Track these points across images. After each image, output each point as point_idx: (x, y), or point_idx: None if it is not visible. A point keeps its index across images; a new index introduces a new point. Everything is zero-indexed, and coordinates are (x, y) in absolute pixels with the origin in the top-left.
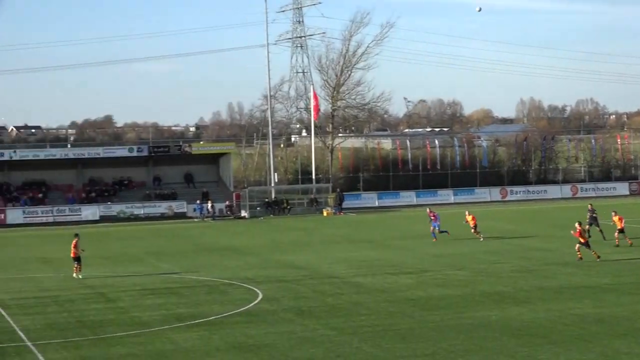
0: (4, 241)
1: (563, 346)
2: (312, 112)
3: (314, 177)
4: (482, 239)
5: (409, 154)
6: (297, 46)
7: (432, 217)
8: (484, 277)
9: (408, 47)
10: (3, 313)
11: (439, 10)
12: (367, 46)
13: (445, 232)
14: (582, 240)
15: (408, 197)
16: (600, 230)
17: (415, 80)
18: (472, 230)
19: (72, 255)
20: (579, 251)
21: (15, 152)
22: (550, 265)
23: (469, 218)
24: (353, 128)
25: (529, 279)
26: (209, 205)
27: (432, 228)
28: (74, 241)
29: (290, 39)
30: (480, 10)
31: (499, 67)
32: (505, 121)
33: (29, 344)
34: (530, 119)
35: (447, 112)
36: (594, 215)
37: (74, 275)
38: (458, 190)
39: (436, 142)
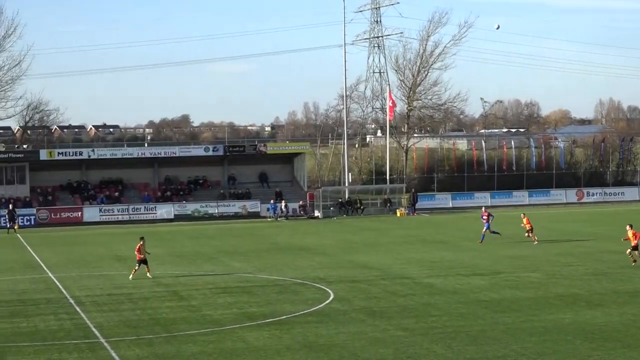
0: (80, 239)
1: (638, 350)
2: (388, 113)
3: (388, 177)
4: (536, 242)
5: (484, 155)
6: (374, 46)
7: (485, 218)
8: (558, 280)
9: (486, 47)
10: (78, 310)
11: (518, 9)
12: (445, 46)
13: (497, 233)
14: (633, 244)
15: (482, 198)
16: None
17: (492, 81)
18: (527, 234)
19: (137, 258)
20: (631, 255)
21: (93, 150)
22: (625, 269)
23: (525, 221)
24: (428, 128)
25: (603, 282)
26: (283, 204)
27: (484, 229)
28: (138, 245)
29: (367, 38)
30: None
31: (577, 67)
32: (583, 122)
33: (102, 340)
34: (608, 120)
35: (524, 113)
36: None
37: (130, 277)
38: (533, 191)
39: (512, 142)
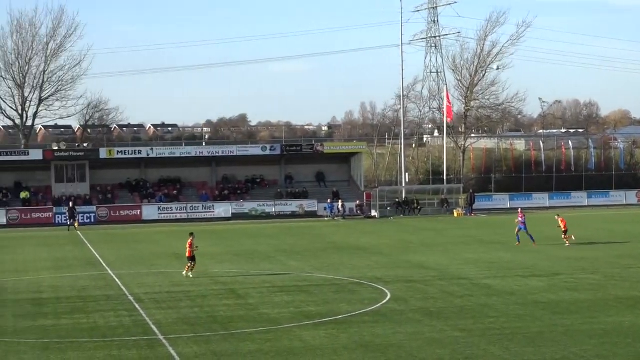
0: (139, 237)
1: None
2: (446, 113)
3: (445, 177)
4: (568, 244)
5: (543, 155)
6: (431, 46)
7: (520, 218)
8: (618, 282)
9: (544, 46)
10: (137, 307)
11: (577, 9)
12: (503, 46)
13: (531, 237)
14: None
15: (541, 199)
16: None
17: (551, 81)
18: (563, 236)
19: (187, 254)
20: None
21: (152, 149)
22: None
23: (560, 221)
24: (486, 128)
25: None
26: (340, 204)
27: (516, 229)
28: (189, 240)
29: (424, 38)
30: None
31: (638, 67)
32: None
33: (161, 337)
34: None
35: (582, 113)
36: None
37: (184, 273)
38: (592, 192)
39: (570, 143)
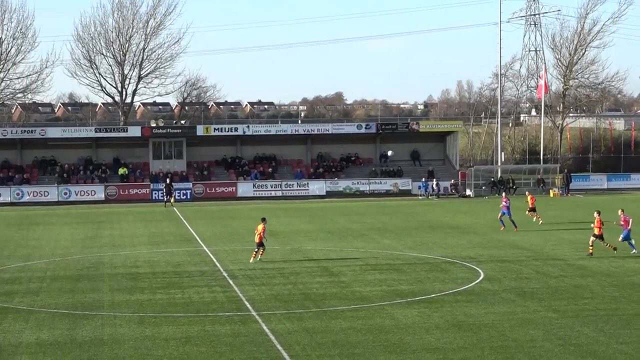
0: (234, 213)
1: None
2: (542, 91)
3: (541, 157)
4: (541, 222)
5: None
6: (530, 24)
7: (505, 203)
8: None
9: None
10: (231, 283)
11: None
12: (604, 24)
13: (513, 223)
14: (597, 232)
15: (639, 179)
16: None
17: None
18: (528, 212)
19: (256, 240)
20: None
21: (248, 127)
22: None
23: (529, 198)
24: (584, 108)
25: None
26: (434, 183)
27: (500, 214)
28: (262, 226)
29: (523, 16)
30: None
31: None
32: None
33: (254, 313)
34: None
35: None
36: None
37: (251, 260)
38: None
39: None
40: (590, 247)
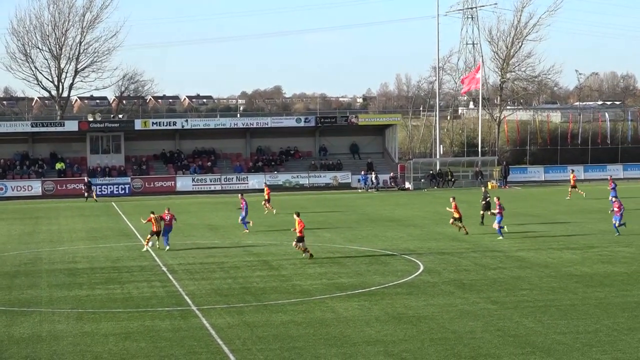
0: (173, 208)
1: None
2: (467, 83)
3: (479, 149)
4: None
5: (580, 128)
6: (467, 17)
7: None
8: None
9: (581, 17)
10: (170, 278)
11: None
12: (540, 17)
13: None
14: (456, 215)
15: (576, 171)
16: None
17: (588, 52)
18: (453, 221)
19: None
20: (454, 224)
21: (187, 121)
22: None
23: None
24: (522, 101)
25: None
26: (374, 176)
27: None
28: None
29: (461, 10)
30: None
31: None
32: None
33: (194, 308)
34: None
35: (620, 85)
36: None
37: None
38: (628, 165)
39: (607, 115)
40: (458, 227)
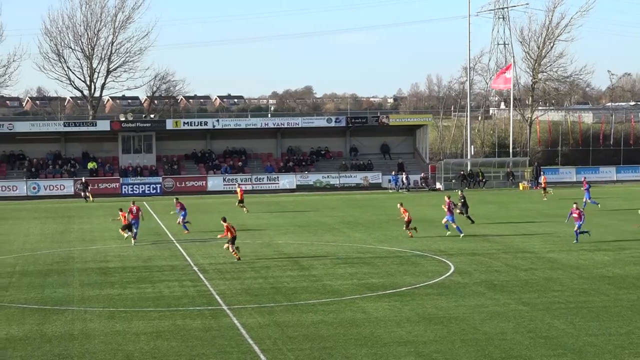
0: (204, 207)
1: None
2: (493, 81)
3: (511, 150)
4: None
5: (612, 129)
6: (499, 18)
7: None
8: None
9: (613, 18)
10: (201, 277)
11: None
12: (571, 17)
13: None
14: (405, 219)
15: (608, 172)
16: (468, 217)
17: (620, 53)
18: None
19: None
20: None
21: (218, 121)
22: None
23: (402, 211)
24: (553, 101)
25: None
26: (404, 176)
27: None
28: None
29: (492, 10)
30: None
31: None
32: None
33: (225, 307)
34: None
35: None
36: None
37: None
38: None
39: None
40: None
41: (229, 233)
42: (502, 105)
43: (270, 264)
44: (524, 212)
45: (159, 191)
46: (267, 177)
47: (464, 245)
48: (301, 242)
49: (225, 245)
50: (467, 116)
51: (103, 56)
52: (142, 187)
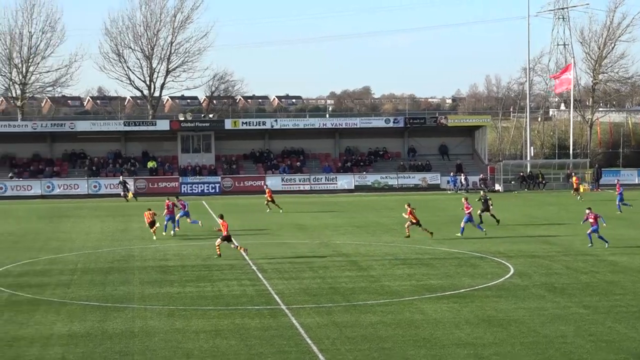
0: (263, 207)
1: None
2: (555, 86)
3: (571, 151)
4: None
5: None
6: (559, 18)
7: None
8: None
9: None
10: (260, 276)
11: None
12: (633, 18)
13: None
14: (413, 220)
15: None
16: (492, 215)
17: None
18: (408, 225)
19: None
20: (408, 229)
21: (276, 121)
22: None
23: (407, 211)
24: (614, 102)
25: None
26: (463, 177)
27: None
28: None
29: (552, 10)
30: None
31: None
32: None
33: (283, 307)
34: None
35: None
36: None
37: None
38: None
39: None
40: (407, 230)
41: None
42: (562, 107)
43: (328, 264)
44: (584, 214)
45: (217, 190)
46: (325, 177)
47: (524, 247)
48: (359, 242)
49: (218, 241)
50: (526, 117)
51: (162, 56)
52: (201, 187)
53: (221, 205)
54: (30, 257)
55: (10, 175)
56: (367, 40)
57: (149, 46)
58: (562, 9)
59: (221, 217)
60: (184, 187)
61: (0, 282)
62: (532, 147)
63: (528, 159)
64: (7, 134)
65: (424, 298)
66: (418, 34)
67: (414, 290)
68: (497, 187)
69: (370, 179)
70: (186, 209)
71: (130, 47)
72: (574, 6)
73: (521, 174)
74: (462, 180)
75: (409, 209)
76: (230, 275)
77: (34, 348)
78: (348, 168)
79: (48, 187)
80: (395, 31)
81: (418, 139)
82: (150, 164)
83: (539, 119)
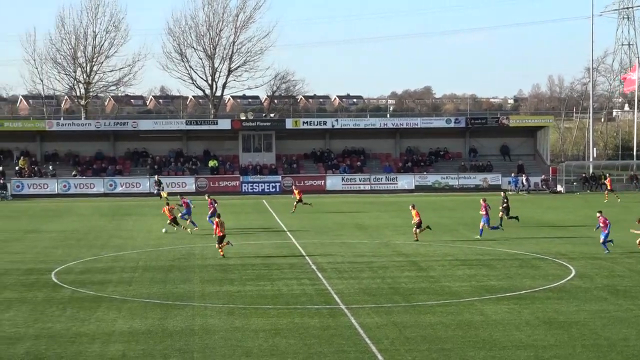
0: (323, 206)
1: None
2: (625, 84)
3: (635, 153)
4: (417, 239)
5: None
6: (623, 17)
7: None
8: None
9: None
10: (319, 276)
11: None
12: None
13: (515, 218)
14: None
15: None
16: (515, 217)
17: None
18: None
19: (218, 233)
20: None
21: (337, 120)
22: None
23: (413, 213)
24: None
25: None
26: (524, 178)
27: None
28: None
29: (616, 10)
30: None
31: None
32: None
33: (342, 307)
34: None
35: None
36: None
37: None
38: None
39: None
40: (415, 235)
41: (218, 230)
42: (626, 107)
43: (388, 264)
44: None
45: (278, 190)
46: (386, 177)
47: (586, 249)
48: (419, 242)
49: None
50: (589, 118)
51: (224, 56)
52: (261, 186)
53: (281, 205)
54: (93, 255)
55: (73, 173)
56: (428, 40)
57: (211, 46)
58: (627, 8)
59: (218, 215)
60: (245, 186)
61: (63, 279)
62: (594, 148)
63: (591, 160)
64: (71, 132)
65: (484, 299)
66: (480, 33)
67: (474, 291)
68: (559, 188)
69: (430, 179)
70: (190, 209)
71: (193, 47)
72: (639, 6)
73: (583, 175)
74: (524, 181)
75: (414, 210)
76: (289, 275)
77: (95, 345)
78: (408, 168)
79: (110, 185)
80: (456, 31)
81: (479, 139)
82: (211, 163)
83: (602, 120)
